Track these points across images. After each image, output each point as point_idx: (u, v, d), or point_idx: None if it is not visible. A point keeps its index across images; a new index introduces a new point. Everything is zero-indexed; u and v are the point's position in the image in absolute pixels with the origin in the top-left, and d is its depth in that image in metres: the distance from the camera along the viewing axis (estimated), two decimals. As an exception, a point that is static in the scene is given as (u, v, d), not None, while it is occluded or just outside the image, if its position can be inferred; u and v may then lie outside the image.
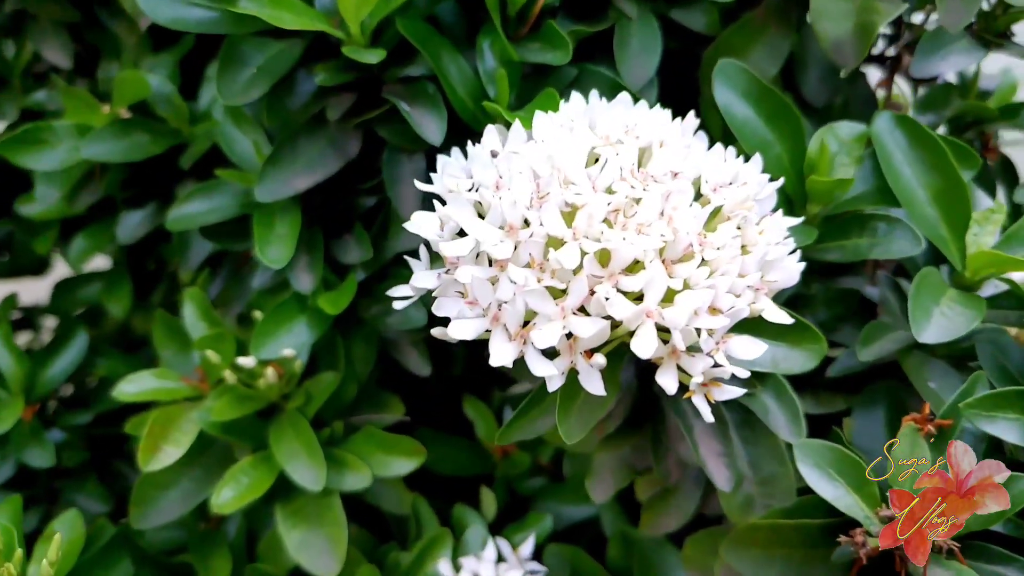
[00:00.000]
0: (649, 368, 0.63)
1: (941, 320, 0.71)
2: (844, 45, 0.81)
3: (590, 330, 0.58)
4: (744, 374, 0.61)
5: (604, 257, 0.59)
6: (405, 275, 0.93)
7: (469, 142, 0.70)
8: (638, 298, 0.59)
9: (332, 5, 0.84)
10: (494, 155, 0.66)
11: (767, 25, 0.91)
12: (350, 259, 0.93)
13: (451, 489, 1.08)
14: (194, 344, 0.92)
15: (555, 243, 0.60)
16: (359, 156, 0.90)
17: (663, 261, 0.60)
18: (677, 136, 0.65)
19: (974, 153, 0.79)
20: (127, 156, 0.97)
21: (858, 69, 1.02)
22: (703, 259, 0.60)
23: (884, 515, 0.69)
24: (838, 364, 0.83)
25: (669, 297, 0.59)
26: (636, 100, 0.82)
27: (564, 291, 0.59)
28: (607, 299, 0.57)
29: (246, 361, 0.87)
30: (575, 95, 0.70)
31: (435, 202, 0.66)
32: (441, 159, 0.72)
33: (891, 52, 1.05)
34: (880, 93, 0.98)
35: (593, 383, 0.61)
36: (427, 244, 0.70)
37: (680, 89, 0.95)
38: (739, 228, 0.64)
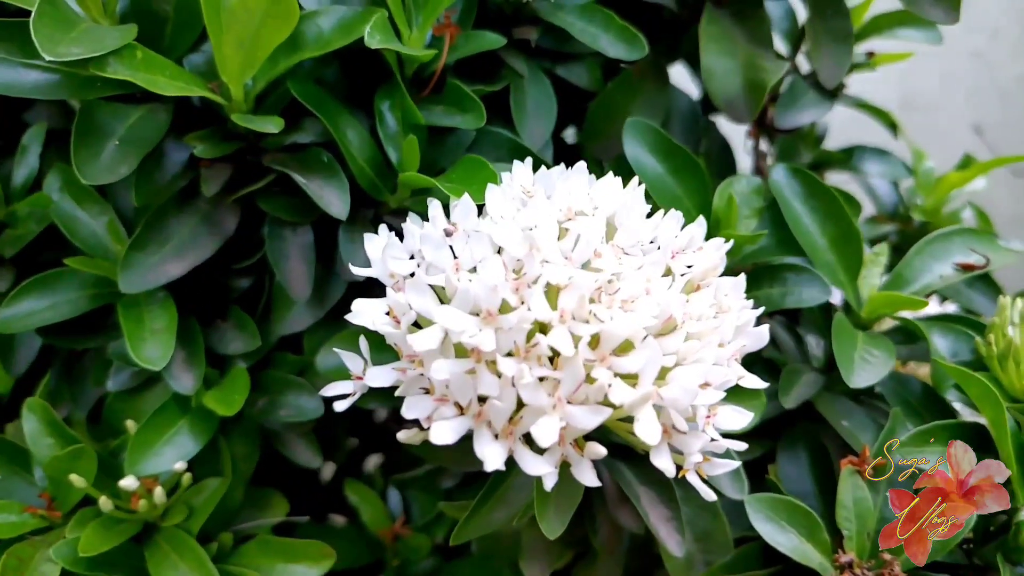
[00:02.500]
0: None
1: (865, 365, 0.74)
2: (736, 102, 0.83)
3: (593, 421, 0.54)
4: (742, 447, 0.59)
5: (594, 338, 0.56)
6: (292, 362, 0.85)
7: (409, 218, 0.64)
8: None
9: (205, 66, 0.75)
10: (448, 234, 0.60)
11: (644, 80, 0.92)
12: (231, 349, 0.82)
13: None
14: (44, 465, 0.77)
15: (539, 327, 0.56)
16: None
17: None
18: (640, 205, 0.63)
19: (856, 201, 0.83)
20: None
21: (710, 121, 1.06)
22: (687, 332, 0.58)
23: (842, 562, 0.70)
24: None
25: (661, 375, 0.57)
26: (537, 161, 0.80)
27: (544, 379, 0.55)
28: (610, 385, 0.54)
29: (128, 483, 0.74)
30: (517, 165, 0.66)
31: (389, 289, 0.60)
32: (373, 239, 0.65)
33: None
34: (749, 143, 1.02)
35: (587, 475, 0.57)
36: (367, 334, 0.63)
37: (559, 144, 0.94)
38: (704, 295, 0.62)
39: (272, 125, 0.69)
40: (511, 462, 0.56)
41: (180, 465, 0.76)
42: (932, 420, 0.78)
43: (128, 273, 0.74)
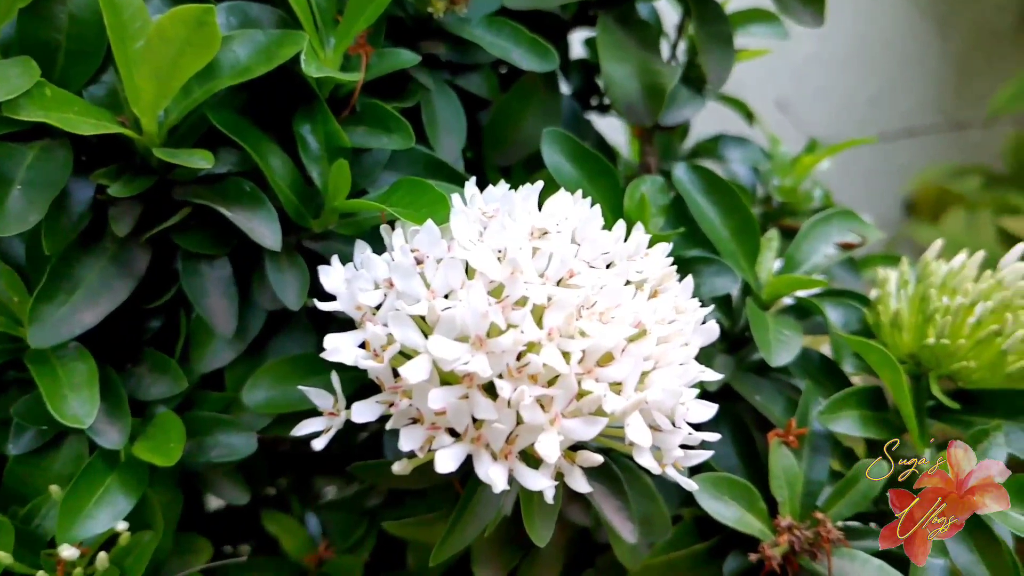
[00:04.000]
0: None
1: (781, 344, 0.80)
2: (636, 106, 0.87)
3: (591, 432, 0.56)
4: (715, 438, 0.63)
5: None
6: (216, 400, 0.82)
7: (366, 247, 0.63)
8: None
9: (108, 99, 0.70)
10: (419, 262, 0.60)
11: (537, 88, 0.94)
12: (152, 394, 0.77)
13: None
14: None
15: (530, 347, 0.57)
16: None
17: (623, 345, 0.60)
18: (597, 219, 0.65)
19: (748, 191, 0.90)
20: None
21: (587, 120, 1.11)
22: (657, 337, 0.61)
23: (783, 525, 0.76)
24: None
25: (641, 380, 0.60)
26: (457, 176, 0.81)
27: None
28: (604, 396, 0.56)
29: (69, 553, 0.68)
30: (469, 186, 0.66)
31: (368, 323, 0.59)
32: (329, 271, 0.64)
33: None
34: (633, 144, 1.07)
35: (580, 483, 0.60)
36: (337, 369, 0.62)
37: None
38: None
39: (200, 159, 0.66)
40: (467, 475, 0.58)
41: (122, 525, 0.71)
42: (833, 388, 0.86)
43: (38, 327, 0.69)
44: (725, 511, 0.77)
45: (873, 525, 0.80)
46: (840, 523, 0.77)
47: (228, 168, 0.73)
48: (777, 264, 0.91)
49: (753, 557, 0.76)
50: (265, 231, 0.70)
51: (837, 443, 0.83)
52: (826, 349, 0.94)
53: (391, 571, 1.02)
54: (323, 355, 0.59)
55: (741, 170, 1.20)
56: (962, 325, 0.79)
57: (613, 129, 1.19)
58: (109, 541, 0.75)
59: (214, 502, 1.11)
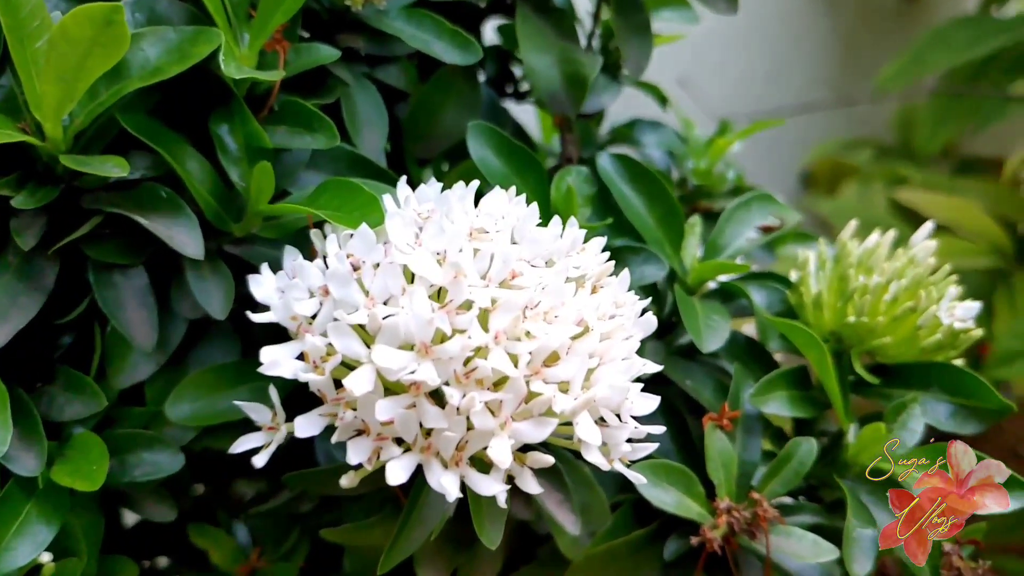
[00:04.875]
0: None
1: (711, 330, 0.81)
2: (559, 97, 0.87)
3: (541, 434, 0.56)
4: (660, 430, 0.64)
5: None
6: (137, 415, 0.78)
7: (296, 254, 0.61)
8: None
9: (4, 104, 0.65)
10: (355, 268, 0.58)
11: (456, 79, 0.92)
12: (68, 414, 0.73)
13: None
14: None
15: (476, 352, 0.56)
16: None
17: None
18: (534, 217, 0.64)
19: (671, 179, 0.91)
20: None
21: (503, 107, 1.10)
22: (600, 333, 0.61)
23: (722, 507, 0.78)
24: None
25: (586, 377, 0.59)
26: (382, 173, 0.79)
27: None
28: (554, 397, 0.56)
29: (-10, 591, 0.64)
30: (402, 187, 0.65)
31: (307, 334, 0.57)
32: (260, 280, 0.61)
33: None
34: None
35: (531, 484, 0.59)
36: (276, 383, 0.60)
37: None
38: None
39: (114, 166, 0.62)
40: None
41: (45, 556, 0.67)
42: (760, 368, 0.88)
43: (-59, 351, 0.64)
44: (664, 497, 0.77)
45: (802, 499, 0.83)
46: (775, 501, 0.79)
47: (142, 173, 0.69)
48: (700, 249, 0.93)
49: (695, 541, 0.77)
50: (186, 239, 0.67)
51: (768, 423, 0.85)
52: (747, 329, 0.96)
53: (327, 576, 1.01)
54: (261, 369, 0.57)
55: (656, 154, 1.21)
56: (879, 303, 0.82)
57: (523, 111, 1.18)
58: (31, 572, 0.70)
59: (130, 516, 1.07)
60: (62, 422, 0.74)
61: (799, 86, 2.95)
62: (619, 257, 0.85)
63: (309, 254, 0.70)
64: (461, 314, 0.56)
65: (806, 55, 3.02)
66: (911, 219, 2.21)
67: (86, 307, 0.74)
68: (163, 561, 1.07)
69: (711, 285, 0.93)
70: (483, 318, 0.56)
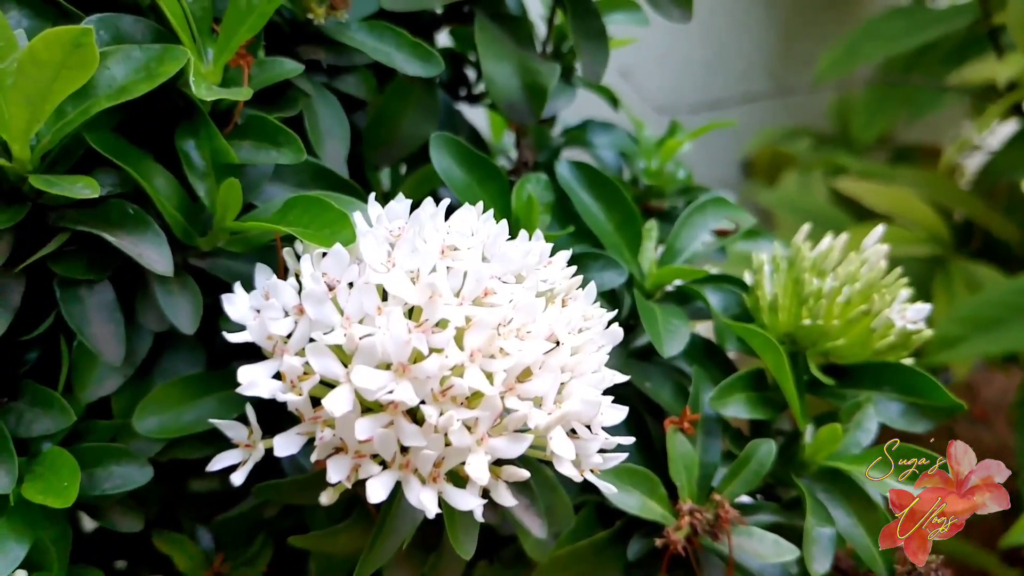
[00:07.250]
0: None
1: (671, 335, 0.84)
2: (518, 106, 0.88)
3: (517, 449, 0.58)
4: (630, 440, 0.66)
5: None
6: (104, 428, 0.78)
7: (269, 272, 0.62)
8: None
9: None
10: (330, 287, 0.59)
11: (414, 87, 0.93)
12: (36, 430, 0.72)
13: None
14: None
15: (453, 370, 0.57)
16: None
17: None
18: (504, 232, 0.66)
19: (627, 185, 0.93)
20: None
21: (458, 111, 1.11)
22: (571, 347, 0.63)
23: (684, 509, 0.81)
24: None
25: (559, 391, 0.61)
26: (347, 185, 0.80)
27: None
28: (529, 413, 0.57)
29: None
30: (374, 205, 0.65)
31: (285, 355, 0.57)
32: (233, 299, 0.62)
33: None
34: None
35: (506, 497, 0.61)
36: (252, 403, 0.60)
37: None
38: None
39: (83, 187, 0.62)
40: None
41: (20, 574, 0.67)
42: (717, 370, 0.91)
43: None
44: (628, 499, 0.80)
45: (760, 498, 0.86)
46: (736, 501, 0.82)
47: (108, 190, 0.69)
48: (657, 252, 0.95)
49: (659, 542, 0.79)
50: (155, 256, 0.67)
51: (727, 425, 0.88)
52: (702, 329, 0.99)
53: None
54: (239, 390, 0.58)
55: (609, 155, 1.23)
56: (833, 306, 0.86)
57: (474, 113, 1.19)
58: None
59: (88, 522, 1.06)
60: (30, 438, 0.74)
61: (739, 75, 3.00)
62: (579, 263, 0.86)
63: (277, 268, 0.70)
64: (437, 333, 0.57)
65: (746, 45, 3.06)
66: (851, 208, 2.27)
67: (52, 322, 0.74)
68: (122, 564, 1.06)
69: (668, 288, 0.96)
70: (458, 336, 0.58)
